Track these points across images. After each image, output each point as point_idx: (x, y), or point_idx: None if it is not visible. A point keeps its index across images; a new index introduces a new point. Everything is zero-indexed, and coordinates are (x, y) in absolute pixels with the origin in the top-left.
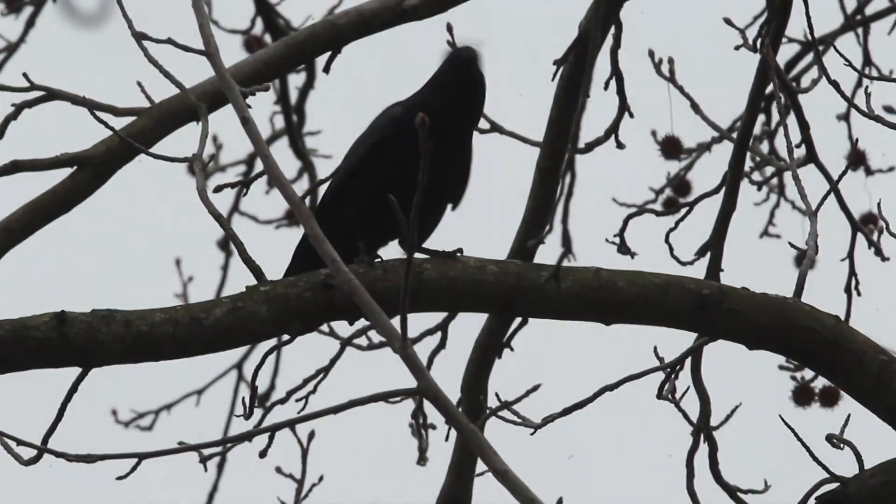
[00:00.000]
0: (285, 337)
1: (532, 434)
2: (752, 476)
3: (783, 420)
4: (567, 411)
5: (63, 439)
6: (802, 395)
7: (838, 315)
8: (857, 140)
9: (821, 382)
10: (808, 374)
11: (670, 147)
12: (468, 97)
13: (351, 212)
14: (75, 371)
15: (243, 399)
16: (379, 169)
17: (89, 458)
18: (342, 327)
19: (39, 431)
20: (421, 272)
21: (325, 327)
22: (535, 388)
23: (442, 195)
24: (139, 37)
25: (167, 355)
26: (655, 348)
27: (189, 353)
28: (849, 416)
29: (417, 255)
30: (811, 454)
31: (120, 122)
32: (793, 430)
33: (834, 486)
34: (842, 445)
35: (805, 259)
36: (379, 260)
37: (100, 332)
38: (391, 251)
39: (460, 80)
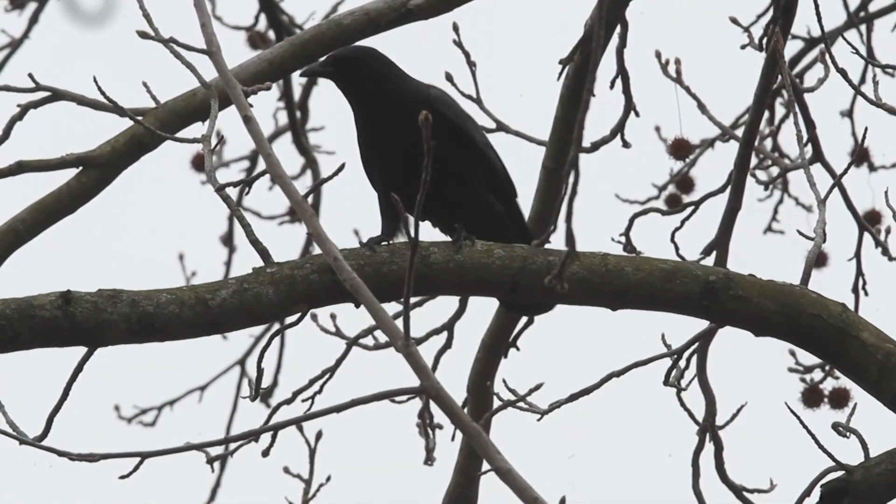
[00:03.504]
0: (291, 319)
1: (539, 420)
2: (758, 475)
3: (789, 408)
4: (574, 397)
5: (66, 435)
6: (812, 397)
7: (845, 303)
8: (865, 129)
9: (830, 384)
10: (817, 375)
11: (679, 149)
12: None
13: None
14: (81, 350)
15: (249, 381)
16: (374, 174)
17: (92, 458)
18: (347, 326)
19: (45, 411)
20: (427, 255)
21: (331, 327)
22: (539, 387)
23: (445, 168)
24: (145, 35)
25: (173, 336)
26: (663, 335)
27: (195, 334)
28: (855, 405)
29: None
30: (817, 442)
31: (125, 123)
32: (798, 418)
33: (839, 474)
34: (848, 434)
35: (812, 246)
36: (385, 243)
37: (105, 312)
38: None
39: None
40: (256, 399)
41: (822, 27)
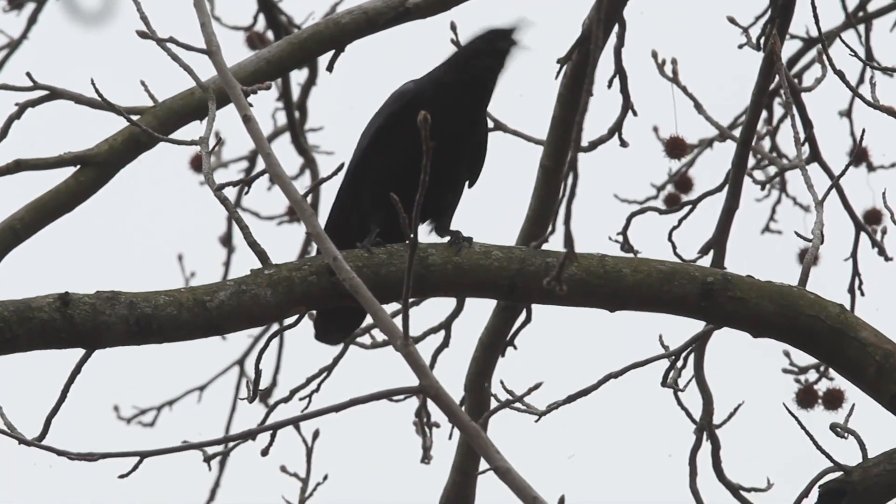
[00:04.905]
0: (289, 321)
1: (537, 421)
2: (755, 474)
3: (787, 409)
4: (572, 398)
5: (65, 436)
6: (806, 398)
7: (843, 304)
8: (863, 130)
9: (824, 385)
10: (811, 376)
11: (675, 147)
12: (486, 76)
13: (366, 195)
14: (79, 352)
15: (247, 382)
16: (390, 148)
17: (91, 457)
18: None
19: (43, 412)
20: (425, 257)
21: None
22: (538, 386)
23: (458, 172)
24: (144, 35)
25: (171, 337)
26: (661, 336)
27: (193, 336)
28: (853, 406)
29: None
30: (814, 442)
31: (123, 121)
32: (796, 419)
33: (837, 474)
34: (846, 434)
35: (810, 247)
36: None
37: (103, 314)
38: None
39: (484, 61)
40: (255, 400)
41: (819, 29)
